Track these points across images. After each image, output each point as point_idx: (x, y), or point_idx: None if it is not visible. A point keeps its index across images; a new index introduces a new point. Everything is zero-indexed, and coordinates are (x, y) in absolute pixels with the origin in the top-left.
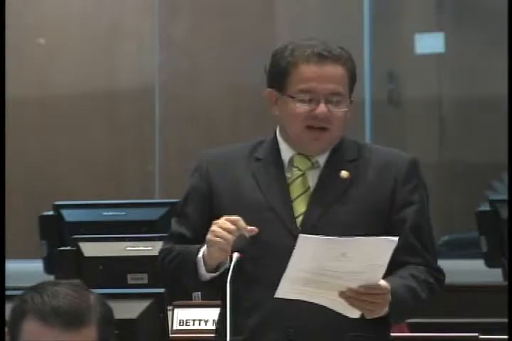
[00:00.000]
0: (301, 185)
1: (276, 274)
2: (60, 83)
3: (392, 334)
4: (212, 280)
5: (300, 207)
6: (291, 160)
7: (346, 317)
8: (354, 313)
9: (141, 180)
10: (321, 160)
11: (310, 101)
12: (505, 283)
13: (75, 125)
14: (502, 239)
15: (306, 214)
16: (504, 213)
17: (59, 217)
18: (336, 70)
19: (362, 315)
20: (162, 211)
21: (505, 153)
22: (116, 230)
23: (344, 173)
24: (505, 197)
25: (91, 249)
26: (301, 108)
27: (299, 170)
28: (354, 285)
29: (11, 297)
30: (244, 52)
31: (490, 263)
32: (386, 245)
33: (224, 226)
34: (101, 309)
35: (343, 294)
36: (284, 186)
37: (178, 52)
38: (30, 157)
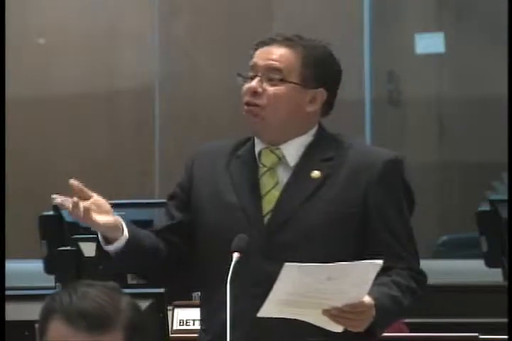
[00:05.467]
0: (270, 179)
1: (244, 274)
2: (60, 83)
3: (392, 334)
4: (121, 252)
5: (269, 205)
6: (259, 156)
7: (301, 322)
8: (338, 328)
9: (141, 180)
10: (290, 154)
11: (252, 79)
12: (505, 283)
13: (75, 125)
14: (502, 239)
15: (273, 213)
16: (504, 213)
17: (59, 217)
18: (280, 50)
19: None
20: (162, 211)
21: (505, 153)
22: None
23: (316, 173)
24: (505, 197)
25: (91, 249)
26: (244, 86)
27: (264, 166)
28: (339, 303)
29: (11, 297)
30: (244, 52)
31: (490, 263)
32: (370, 269)
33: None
34: (131, 314)
35: (327, 312)
36: (253, 183)
37: (178, 52)
38: (30, 157)
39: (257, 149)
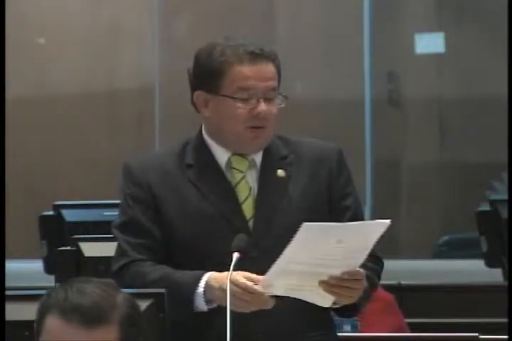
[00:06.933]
0: (245, 187)
1: None
2: (60, 83)
3: (392, 334)
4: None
5: (248, 211)
6: (228, 162)
7: (304, 319)
8: (328, 302)
9: None
10: (257, 159)
11: (248, 100)
12: (505, 283)
13: (75, 125)
14: (502, 239)
15: (256, 217)
16: (504, 213)
17: (59, 217)
18: (269, 67)
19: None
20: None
21: (505, 153)
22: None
23: (281, 172)
24: (505, 197)
25: (91, 249)
26: (242, 108)
27: (240, 171)
28: (336, 272)
29: (11, 297)
30: None
31: (490, 263)
32: (378, 227)
33: (247, 291)
34: (127, 310)
35: (324, 283)
36: (230, 190)
37: (178, 52)
38: (30, 157)
39: (223, 157)
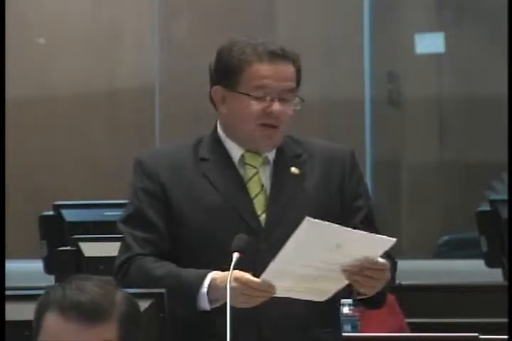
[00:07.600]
0: (258, 183)
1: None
2: (60, 83)
3: (392, 334)
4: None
5: (260, 206)
6: (242, 158)
7: (313, 315)
8: (324, 296)
9: None
10: (270, 156)
11: (263, 98)
12: (505, 283)
13: (75, 125)
14: (502, 239)
15: (267, 213)
16: (504, 213)
17: (59, 217)
18: (288, 68)
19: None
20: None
21: (505, 153)
22: (117, 230)
23: (294, 170)
24: (505, 197)
25: (91, 249)
26: (256, 106)
27: (253, 167)
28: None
29: (11, 297)
30: None
31: (490, 263)
32: (382, 244)
33: (256, 293)
34: (126, 308)
35: (346, 271)
36: (242, 185)
37: (178, 52)
38: (30, 157)
39: (237, 153)
